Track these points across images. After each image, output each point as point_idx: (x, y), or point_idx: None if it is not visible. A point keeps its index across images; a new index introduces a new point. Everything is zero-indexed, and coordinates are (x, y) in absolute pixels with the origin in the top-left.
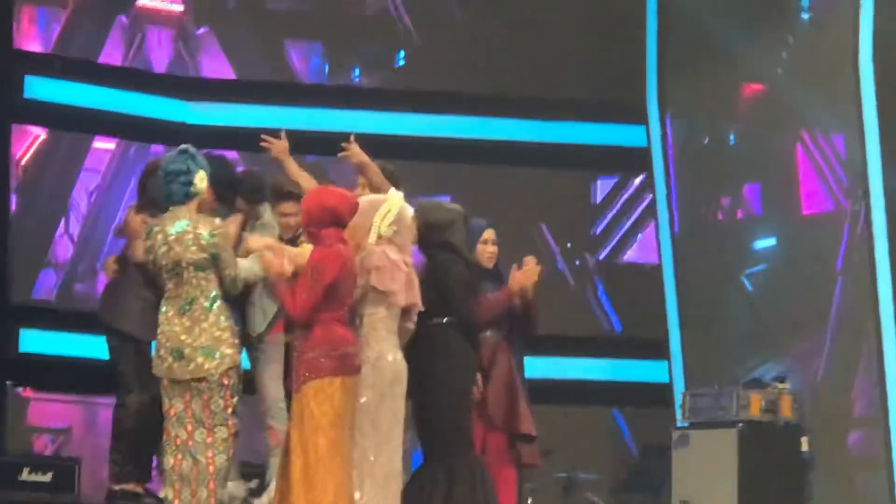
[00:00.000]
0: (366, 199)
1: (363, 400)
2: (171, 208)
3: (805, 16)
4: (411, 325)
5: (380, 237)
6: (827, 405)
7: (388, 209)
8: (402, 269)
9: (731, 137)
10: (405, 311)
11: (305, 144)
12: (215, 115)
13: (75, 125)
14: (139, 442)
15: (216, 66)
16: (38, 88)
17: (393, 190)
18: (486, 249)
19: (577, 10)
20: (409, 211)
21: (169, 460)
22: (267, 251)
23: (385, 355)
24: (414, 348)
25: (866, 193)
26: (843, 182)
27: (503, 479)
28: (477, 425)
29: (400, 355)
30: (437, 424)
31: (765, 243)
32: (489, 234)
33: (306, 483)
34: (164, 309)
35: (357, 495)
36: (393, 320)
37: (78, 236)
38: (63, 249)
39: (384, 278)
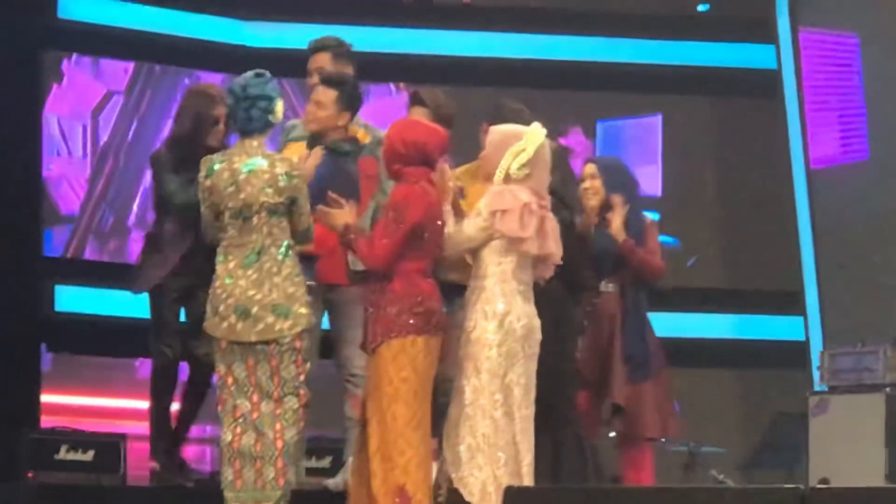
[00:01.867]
0: (501, 129)
1: (487, 364)
2: (239, 142)
3: None
4: (546, 277)
5: (507, 177)
6: None
7: (524, 147)
8: (534, 213)
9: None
10: (540, 262)
11: (379, 69)
12: (276, 36)
13: (116, 50)
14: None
15: None
16: (74, 8)
17: (536, 124)
18: (593, 185)
19: None
20: (548, 150)
21: (227, 435)
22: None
23: (515, 311)
24: None
25: None
26: None
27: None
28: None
29: (533, 310)
30: (542, 392)
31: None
32: (590, 168)
33: (383, 459)
34: (221, 258)
35: (498, 471)
36: (525, 271)
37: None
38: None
39: (512, 222)
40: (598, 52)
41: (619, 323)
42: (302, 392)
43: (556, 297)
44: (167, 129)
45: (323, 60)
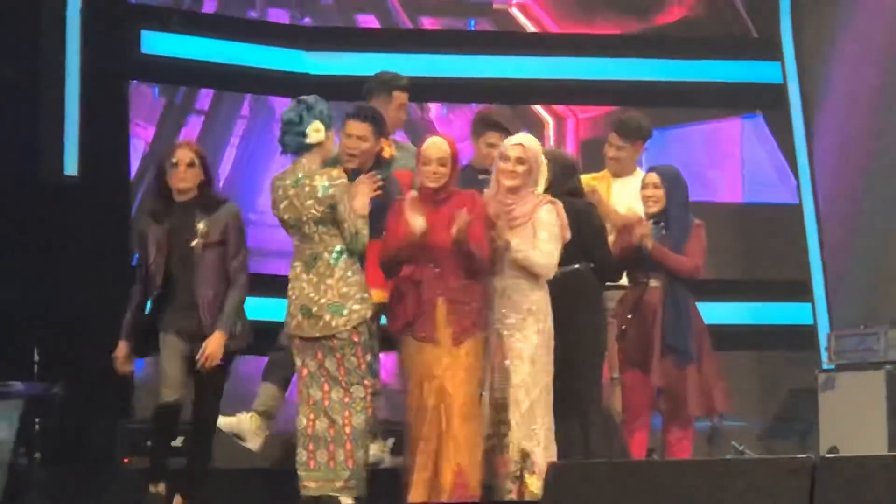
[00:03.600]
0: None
1: (536, 348)
2: (292, 161)
3: None
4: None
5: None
6: None
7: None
8: None
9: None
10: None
11: (423, 91)
12: (333, 64)
13: (194, 80)
14: None
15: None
16: (156, 43)
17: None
18: (655, 193)
19: None
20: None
21: (302, 420)
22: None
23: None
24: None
25: None
26: None
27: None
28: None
29: None
30: (573, 373)
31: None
32: (653, 177)
33: (459, 442)
34: (294, 264)
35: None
36: None
37: None
38: None
39: None
40: (632, 72)
41: (660, 314)
42: (367, 381)
43: (590, 285)
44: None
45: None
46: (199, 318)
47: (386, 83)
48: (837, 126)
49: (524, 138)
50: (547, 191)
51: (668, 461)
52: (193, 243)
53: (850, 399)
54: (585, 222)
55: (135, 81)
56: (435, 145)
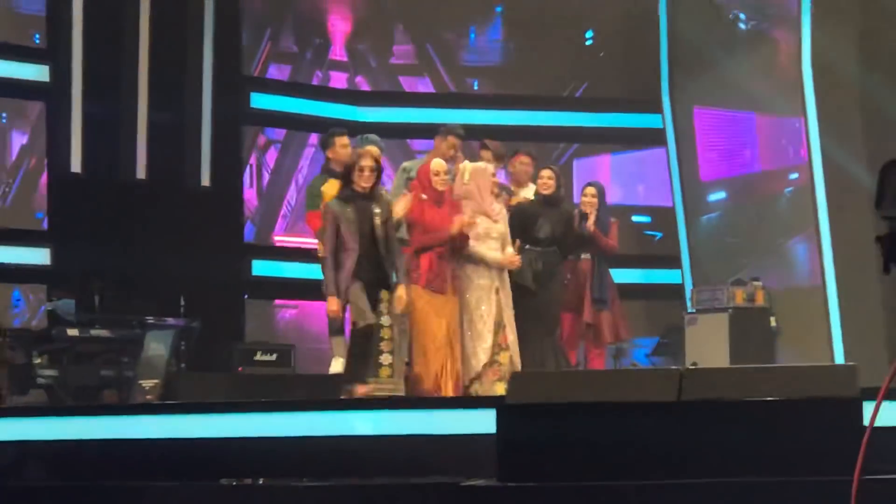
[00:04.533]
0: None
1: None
2: None
3: (777, 44)
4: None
5: None
6: (785, 294)
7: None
8: None
9: (730, 118)
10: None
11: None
12: (379, 115)
13: (285, 124)
14: None
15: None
16: (259, 100)
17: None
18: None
19: (610, 33)
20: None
21: None
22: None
23: None
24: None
25: (809, 153)
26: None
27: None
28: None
29: None
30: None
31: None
32: (591, 189)
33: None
34: None
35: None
36: None
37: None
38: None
39: None
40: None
41: (589, 276)
42: None
43: (554, 260)
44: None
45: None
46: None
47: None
48: (694, 153)
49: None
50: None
51: (592, 370)
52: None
53: (705, 332)
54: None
55: (245, 126)
56: (439, 163)
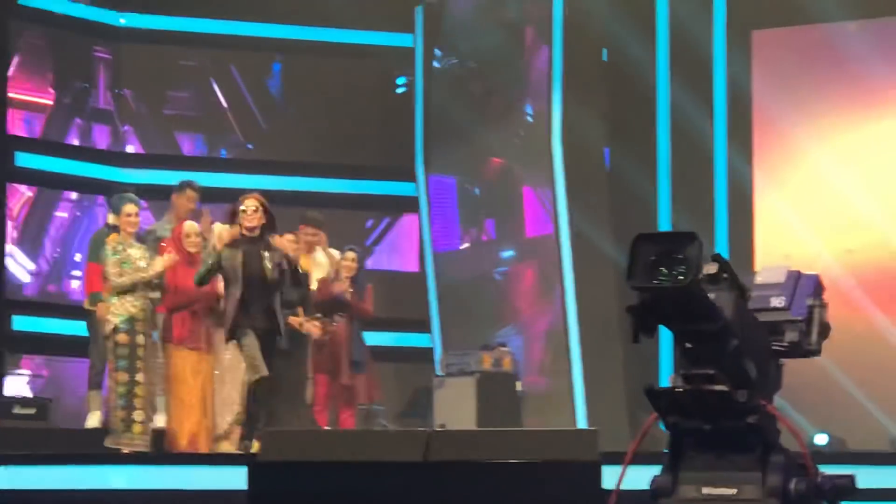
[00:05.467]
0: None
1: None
2: None
3: (529, 119)
4: None
5: None
6: (533, 361)
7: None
8: None
9: (476, 189)
10: None
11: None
12: (139, 176)
13: (50, 184)
14: None
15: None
16: (25, 160)
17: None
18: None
19: (370, 103)
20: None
21: None
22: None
23: None
24: None
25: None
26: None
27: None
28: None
29: None
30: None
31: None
32: (352, 255)
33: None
34: None
35: None
36: None
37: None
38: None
39: None
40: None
41: (346, 339)
42: None
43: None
44: None
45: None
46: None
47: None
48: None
49: None
50: None
51: (344, 430)
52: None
53: (453, 394)
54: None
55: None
56: (191, 225)
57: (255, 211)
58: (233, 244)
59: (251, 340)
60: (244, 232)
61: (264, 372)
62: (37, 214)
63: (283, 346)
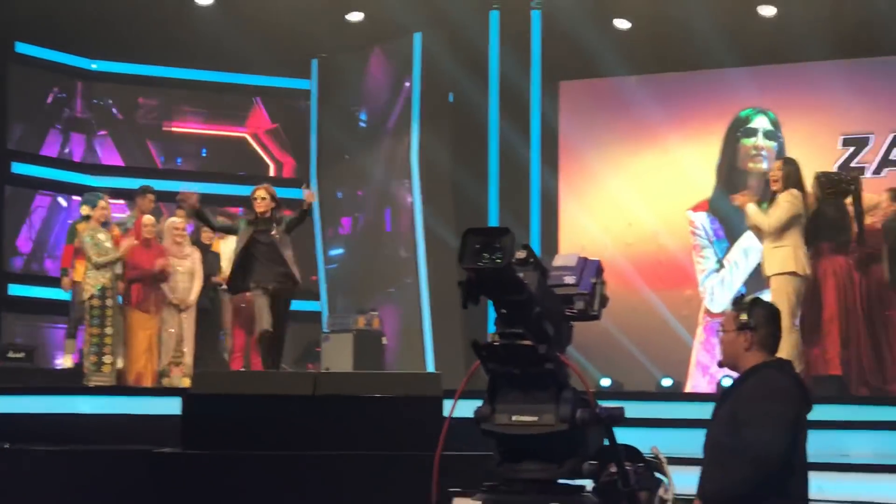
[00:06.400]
0: None
1: None
2: None
3: (395, 143)
4: None
5: None
6: (395, 321)
7: None
8: None
9: (360, 192)
10: None
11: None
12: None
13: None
14: None
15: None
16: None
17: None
18: None
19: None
20: None
21: None
22: None
23: None
24: None
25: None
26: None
27: None
28: None
29: None
30: None
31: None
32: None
33: None
34: None
35: None
36: None
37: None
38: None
39: None
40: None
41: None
42: None
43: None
44: None
45: None
46: None
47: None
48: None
49: None
50: None
51: (254, 371)
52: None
53: (336, 346)
54: None
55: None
56: (149, 218)
57: (263, 199)
58: (251, 222)
59: (261, 299)
60: (258, 214)
61: (266, 326)
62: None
63: (206, 306)
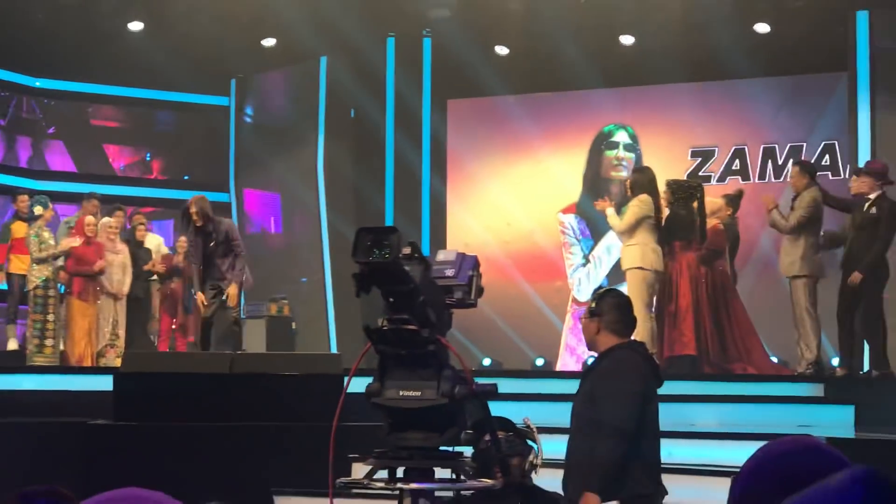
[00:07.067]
0: None
1: None
2: None
3: (303, 152)
4: None
5: None
6: (304, 308)
7: None
8: None
9: (276, 195)
10: None
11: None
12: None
13: None
14: None
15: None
16: None
17: None
18: None
19: (203, 142)
20: None
21: None
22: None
23: None
24: None
25: (319, 218)
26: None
27: None
28: None
29: None
30: None
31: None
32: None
33: None
34: None
35: None
36: None
37: None
38: None
39: None
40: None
41: (181, 292)
42: None
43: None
44: None
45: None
46: None
47: (89, 196)
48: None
49: None
50: None
51: (178, 352)
52: None
53: (251, 330)
54: None
55: None
56: (90, 219)
57: (196, 213)
58: (196, 232)
59: (208, 293)
60: (197, 225)
61: (207, 314)
62: None
63: (139, 295)
